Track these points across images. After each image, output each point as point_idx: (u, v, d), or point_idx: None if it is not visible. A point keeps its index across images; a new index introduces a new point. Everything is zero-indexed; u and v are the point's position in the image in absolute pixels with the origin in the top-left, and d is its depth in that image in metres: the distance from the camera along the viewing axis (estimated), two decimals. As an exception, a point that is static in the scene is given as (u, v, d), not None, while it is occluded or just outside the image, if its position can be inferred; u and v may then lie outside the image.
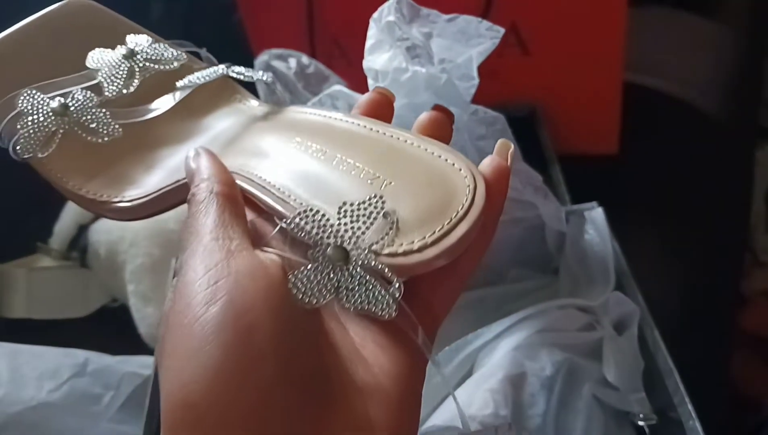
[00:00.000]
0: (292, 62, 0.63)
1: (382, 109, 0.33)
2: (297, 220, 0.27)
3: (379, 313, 0.25)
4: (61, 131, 0.34)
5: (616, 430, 0.47)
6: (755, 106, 0.91)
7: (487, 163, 0.28)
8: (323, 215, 0.27)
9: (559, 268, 0.55)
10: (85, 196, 0.35)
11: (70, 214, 0.65)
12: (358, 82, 0.70)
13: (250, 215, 0.29)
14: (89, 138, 0.35)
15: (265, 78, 0.38)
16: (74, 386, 0.49)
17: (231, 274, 0.24)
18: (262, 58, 0.63)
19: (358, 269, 0.25)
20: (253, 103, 0.39)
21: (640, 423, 0.45)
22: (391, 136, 0.30)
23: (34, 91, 0.35)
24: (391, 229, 0.26)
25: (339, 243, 0.26)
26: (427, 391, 0.45)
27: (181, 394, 0.22)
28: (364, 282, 0.25)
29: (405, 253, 0.25)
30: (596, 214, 0.51)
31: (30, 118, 0.34)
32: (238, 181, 0.30)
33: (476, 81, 0.49)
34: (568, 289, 0.52)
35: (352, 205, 0.27)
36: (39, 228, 0.67)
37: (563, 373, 0.46)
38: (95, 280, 0.65)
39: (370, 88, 0.49)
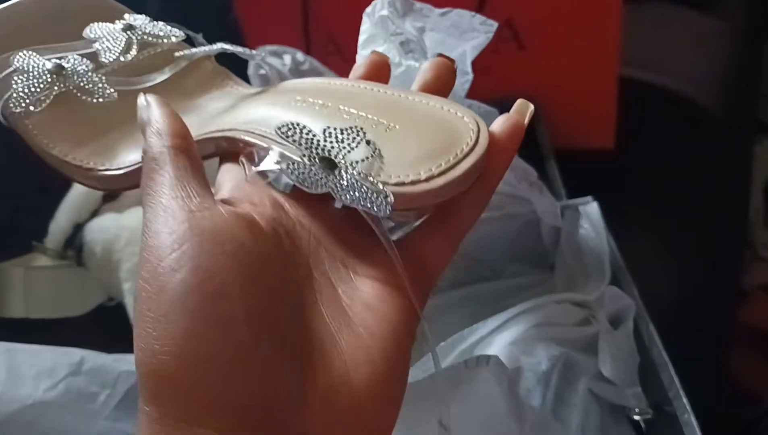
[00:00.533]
0: (287, 58, 0.63)
1: (379, 71, 0.33)
2: (284, 129, 0.27)
3: (374, 209, 0.25)
4: (55, 89, 0.34)
5: (612, 424, 0.47)
6: (753, 100, 0.90)
7: (503, 120, 0.28)
8: (310, 131, 0.27)
9: (554, 263, 0.55)
10: (70, 163, 0.34)
11: (66, 213, 0.65)
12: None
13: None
14: (84, 97, 0.35)
15: (262, 55, 0.38)
16: (70, 385, 0.49)
17: (195, 237, 0.23)
18: (256, 57, 0.63)
19: (351, 174, 0.25)
20: (246, 89, 0.39)
21: (636, 417, 0.45)
22: (392, 93, 0.30)
23: (30, 52, 0.35)
24: (373, 155, 0.26)
25: (327, 156, 0.26)
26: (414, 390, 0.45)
27: (152, 364, 0.22)
28: (355, 182, 0.25)
29: (413, 183, 0.25)
30: (591, 208, 0.51)
31: (25, 75, 0.34)
32: (239, 135, 0.30)
33: (470, 76, 0.49)
34: (564, 284, 0.52)
35: (335, 129, 0.27)
36: (35, 227, 0.66)
37: (559, 367, 0.46)
38: (92, 279, 0.64)
39: None
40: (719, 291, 0.73)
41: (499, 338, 0.47)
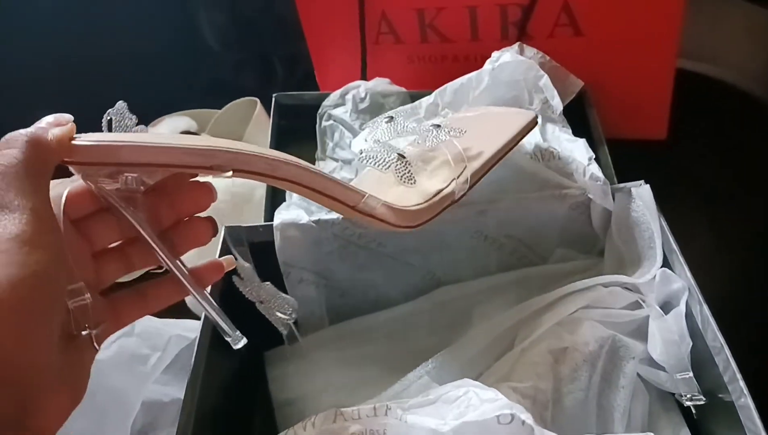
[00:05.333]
0: (349, 101, 0.65)
1: None
2: None
3: None
4: None
5: (662, 411, 0.47)
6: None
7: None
8: None
9: (603, 249, 0.54)
10: None
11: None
12: (406, 59, 0.70)
13: None
14: None
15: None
16: (123, 345, 0.50)
17: None
18: (321, 112, 0.66)
19: None
20: None
21: (687, 404, 0.43)
22: None
23: None
24: None
25: None
26: (459, 366, 0.45)
27: None
28: None
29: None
30: (644, 190, 0.50)
31: None
32: None
33: None
34: (613, 269, 0.52)
35: None
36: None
37: (606, 349, 0.45)
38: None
39: None
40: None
41: (546, 317, 0.47)
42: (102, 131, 0.36)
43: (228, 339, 0.39)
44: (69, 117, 0.33)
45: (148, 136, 0.34)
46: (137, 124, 0.36)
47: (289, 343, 0.43)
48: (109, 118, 0.36)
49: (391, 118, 0.45)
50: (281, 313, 0.39)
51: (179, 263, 0.36)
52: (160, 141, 0.33)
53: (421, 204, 0.42)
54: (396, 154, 0.41)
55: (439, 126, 0.45)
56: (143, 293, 0.37)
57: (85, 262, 0.35)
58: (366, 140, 0.46)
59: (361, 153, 0.41)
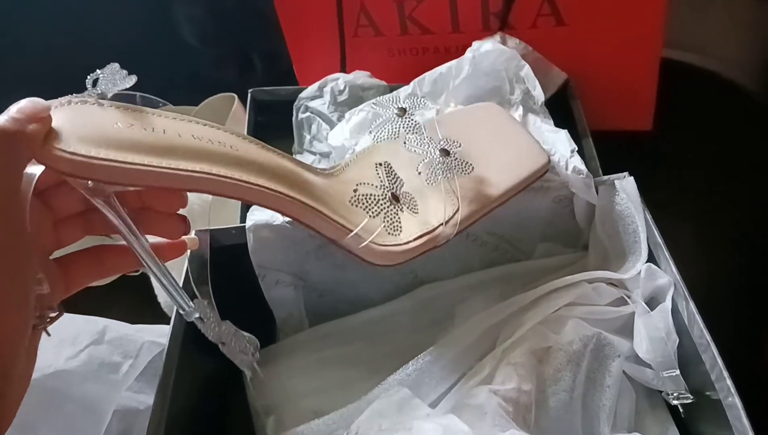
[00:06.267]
0: (327, 93, 0.63)
1: None
2: None
3: None
4: None
5: (648, 409, 0.45)
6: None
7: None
8: None
9: (588, 243, 0.53)
10: None
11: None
12: (386, 52, 0.69)
13: None
14: None
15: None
16: (92, 354, 0.48)
17: None
18: (298, 104, 0.65)
19: None
20: None
21: (674, 402, 0.42)
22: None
23: None
24: None
25: None
26: (441, 368, 0.44)
27: None
28: None
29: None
30: (627, 183, 0.48)
31: None
32: None
33: None
34: (598, 264, 0.50)
35: None
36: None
37: (591, 348, 0.44)
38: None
39: None
40: (757, 277, 0.71)
41: (529, 316, 0.45)
42: (86, 88, 0.34)
43: (182, 313, 0.38)
44: (47, 105, 0.30)
45: (133, 137, 0.32)
46: (128, 76, 0.35)
47: (251, 380, 0.43)
48: (95, 77, 0.34)
49: (404, 109, 0.44)
50: (244, 353, 0.38)
51: (144, 239, 0.35)
52: (138, 161, 0.31)
53: (400, 245, 0.41)
54: (390, 195, 0.40)
55: (447, 153, 0.43)
56: (99, 258, 0.35)
57: (46, 231, 0.33)
58: (371, 132, 0.44)
59: (355, 191, 0.40)
